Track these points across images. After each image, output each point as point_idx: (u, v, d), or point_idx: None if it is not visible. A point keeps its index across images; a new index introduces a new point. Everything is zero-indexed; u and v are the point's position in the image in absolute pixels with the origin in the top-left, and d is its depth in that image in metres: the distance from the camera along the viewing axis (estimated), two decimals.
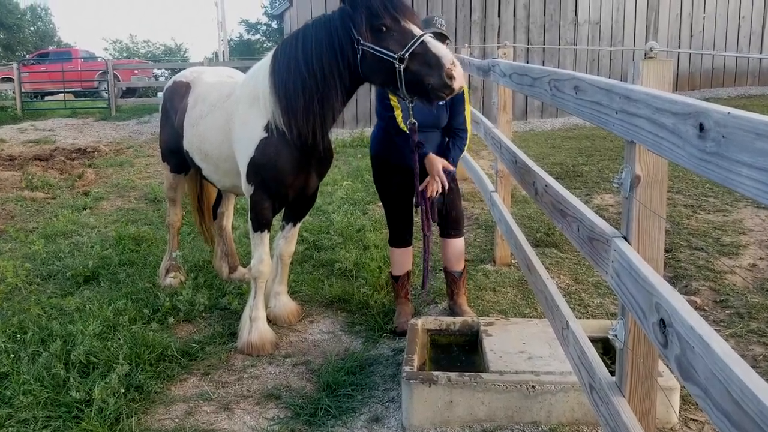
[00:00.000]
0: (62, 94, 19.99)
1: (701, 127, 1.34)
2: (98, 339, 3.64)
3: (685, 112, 1.42)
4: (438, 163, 3.65)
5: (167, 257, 4.84)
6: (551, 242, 5.25)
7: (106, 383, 3.18)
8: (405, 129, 3.64)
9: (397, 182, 3.93)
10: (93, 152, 11.29)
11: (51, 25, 38.29)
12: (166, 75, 24.48)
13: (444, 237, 4.07)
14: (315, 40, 3.27)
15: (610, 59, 13.58)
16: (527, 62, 12.04)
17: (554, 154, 8.97)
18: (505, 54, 4.87)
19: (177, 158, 4.47)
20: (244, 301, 4.09)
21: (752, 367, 1.18)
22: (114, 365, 3.37)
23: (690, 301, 3.89)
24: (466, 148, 4.03)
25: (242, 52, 35.53)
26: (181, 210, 4.88)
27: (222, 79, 4.27)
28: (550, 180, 2.78)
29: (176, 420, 3.13)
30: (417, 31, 3.05)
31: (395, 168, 3.91)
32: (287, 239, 4.08)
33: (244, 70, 4.20)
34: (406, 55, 2.98)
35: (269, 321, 3.96)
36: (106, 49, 38.49)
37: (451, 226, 4.02)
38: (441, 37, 3.77)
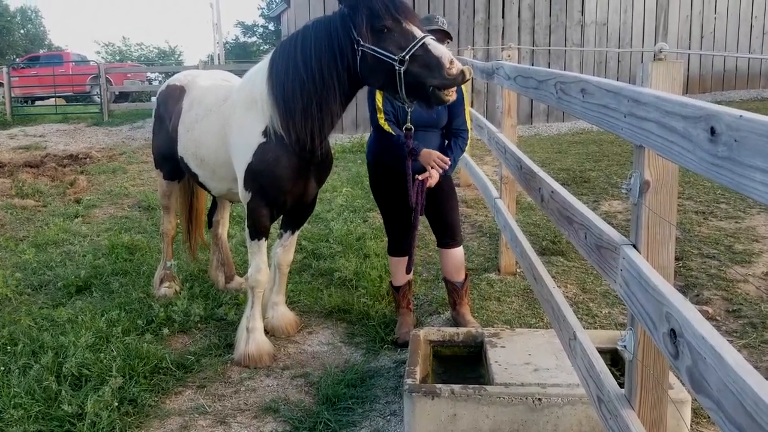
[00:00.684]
0: (53, 99, 19.87)
1: (712, 131, 1.31)
2: (91, 351, 3.59)
3: (696, 116, 1.40)
4: (432, 152, 3.58)
5: (162, 266, 4.78)
6: (557, 250, 5.18)
7: (99, 396, 3.14)
8: (389, 129, 3.63)
9: (394, 189, 3.87)
10: (85, 158, 11.18)
11: (42, 28, 38.27)
12: (159, 79, 24.32)
13: (441, 247, 4.00)
14: (314, 40, 3.23)
15: (618, 61, 13.43)
16: (532, 64, 12.02)
17: (560, 159, 8.95)
18: (509, 56, 4.84)
19: (171, 165, 4.40)
20: (240, 311, 4.04)
21: (766, 378, 1.18)
22: (107, 378, 3.32)
23: (701, 310, 3.84)
24: (467, 148, 3.98)
25: (238, 55, 35.57)
26: (176, 218, 4.83)
27: (217, 82, 4.20)
28: (557, 186, 2.75)
29: None
30: (418, 32, 3.02)
31: (392, 175, 3.86)
32: (285, 248, 4.01)
33: (240, 73, 4.16)
34: (407, 57, 2.95)
35: (267, 332, 3.90)
36: (98, 53, 38.34)
37: (448, 234, 3.94)
38: (443, 35, 3.72)
